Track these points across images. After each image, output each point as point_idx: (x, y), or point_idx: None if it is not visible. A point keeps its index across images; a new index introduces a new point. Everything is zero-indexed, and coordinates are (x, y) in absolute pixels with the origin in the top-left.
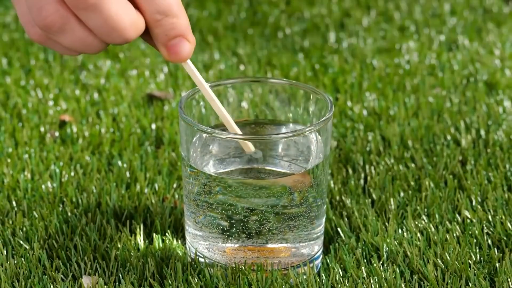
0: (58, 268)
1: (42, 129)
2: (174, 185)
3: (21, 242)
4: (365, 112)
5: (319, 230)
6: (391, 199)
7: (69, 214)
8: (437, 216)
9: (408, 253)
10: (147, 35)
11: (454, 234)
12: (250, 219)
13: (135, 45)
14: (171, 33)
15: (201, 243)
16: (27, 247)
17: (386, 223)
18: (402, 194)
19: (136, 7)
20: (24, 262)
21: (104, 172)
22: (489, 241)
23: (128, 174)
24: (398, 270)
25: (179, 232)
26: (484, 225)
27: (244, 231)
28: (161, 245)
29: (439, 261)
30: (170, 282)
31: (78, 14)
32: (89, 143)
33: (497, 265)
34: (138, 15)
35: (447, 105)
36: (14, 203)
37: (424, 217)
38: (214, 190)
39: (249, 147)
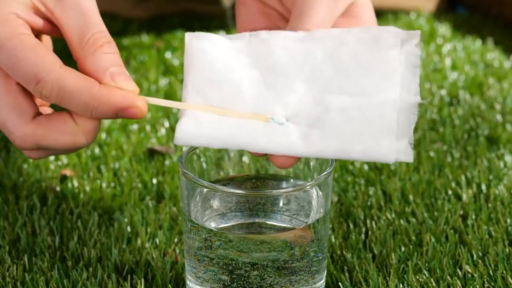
0: None
1: (43, 183)
2: (175, 240)
3: None
4: (366, 167)
5: (320, 285)
6: (392, 254)
7: (70, 268)
8: (438, 270)
9: None
10: None
11: None
12: (251, 273)
13: None
14: (109, 114)
15: None
16: None
17: (387, 278)
18: (403, 248)
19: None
20: None
21: (105, 226)
22: None
23: (129, 229)
24: None
25: (180, 287)
26: (485, 280)
27: (245, 286)
28: None
29: None
30: None
31: (39, 147)
32: (90, 197)
33: None
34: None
35: (448, 159)
36: (15, 257)
37: (425, 271)
38: (215, 245)
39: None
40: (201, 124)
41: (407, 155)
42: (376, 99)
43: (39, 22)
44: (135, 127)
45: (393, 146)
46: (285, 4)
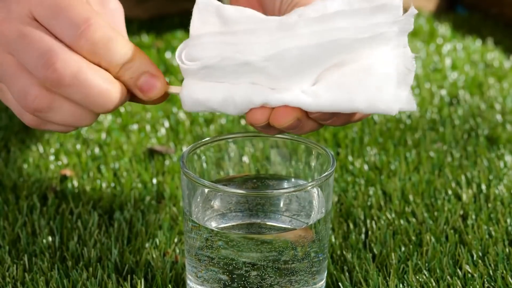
0: None
1: (43, 183)
2: (175, 240)
3: None
4: (366, 167)
5: (320, 285)
6: (392, 254)
7: (70, 268)
8: (438, 270)
9: None
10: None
11: None
12: (251, 274)
13: None
14: (135, 74)
15: None
16: None
17: (387, 278)
18: (403, 248)
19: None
20: None
21: (105, 226)
22: None
23: (129, 229)
24: None
25: (180, 286)
26: (485, 280)
27: (245, 286)
28: None
29: None
30: None
31: (60, 93)
32: (90, 197)
33: None
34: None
35: (448, 159)
36: (15, 257)
37: (425, 271)
38: (216, 245)
39: None
40: (202, 88)
41: (410, 104)
42: (373, 52)
43: None
44: (135, 127)
45: (395, 96)
46: None
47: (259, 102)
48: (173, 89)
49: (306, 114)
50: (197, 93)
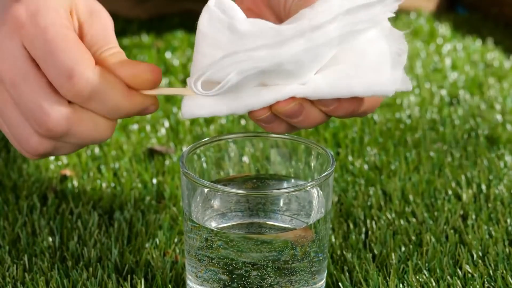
0: None
1: (43, 183)
2: (175, 240)
3: None
4: (366, 167)
5: (320, 285)
6: (392, 254)
7: (70, 268)
8: (438, 270)
9: None
10: None
11: None
12: (251, 274)
13: None
14: (134, 114)
15: None
16: None
17: (387, 278)
18: (403, 248)
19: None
20: None
21: (105, 226)
22: None
23: (129, 229)
24: None
25: (180, 286)
26: (485, 280)
27: (245, 286)
28: None
29: None
30: None
31: (83, 106)
32: (90, 197)
33: None
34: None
35: (448, 159)
36: (15, 257)
37: (425, 271)
38: (216, 245)
39: None
40: (203, 106)
41: (406, 84)
42: (366, 36)
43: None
44: (135, 127)
45: (391, 77)
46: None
47: (271, 101)
48: (161, 91)
49: (310, 101)
50: (201, 112)
